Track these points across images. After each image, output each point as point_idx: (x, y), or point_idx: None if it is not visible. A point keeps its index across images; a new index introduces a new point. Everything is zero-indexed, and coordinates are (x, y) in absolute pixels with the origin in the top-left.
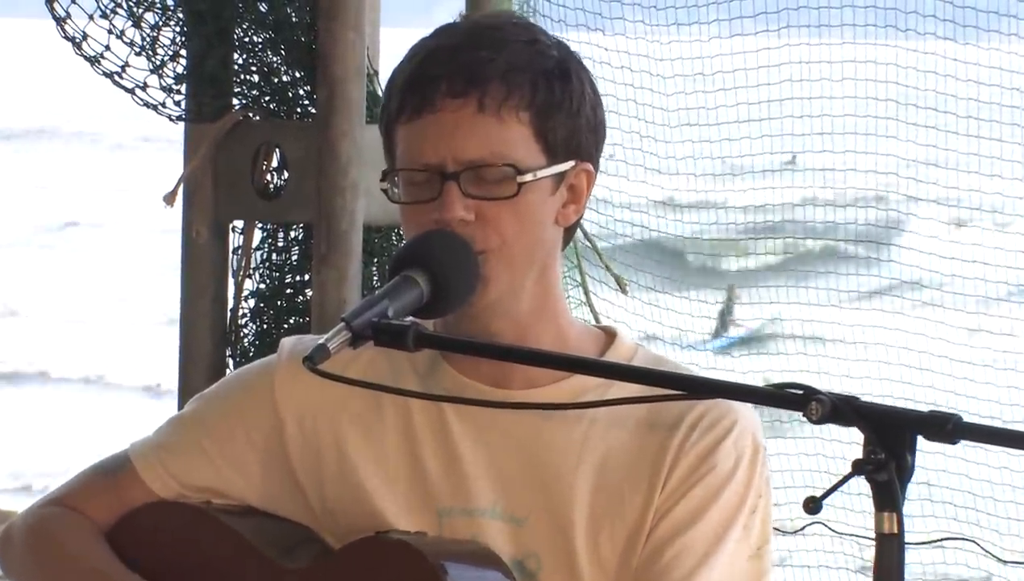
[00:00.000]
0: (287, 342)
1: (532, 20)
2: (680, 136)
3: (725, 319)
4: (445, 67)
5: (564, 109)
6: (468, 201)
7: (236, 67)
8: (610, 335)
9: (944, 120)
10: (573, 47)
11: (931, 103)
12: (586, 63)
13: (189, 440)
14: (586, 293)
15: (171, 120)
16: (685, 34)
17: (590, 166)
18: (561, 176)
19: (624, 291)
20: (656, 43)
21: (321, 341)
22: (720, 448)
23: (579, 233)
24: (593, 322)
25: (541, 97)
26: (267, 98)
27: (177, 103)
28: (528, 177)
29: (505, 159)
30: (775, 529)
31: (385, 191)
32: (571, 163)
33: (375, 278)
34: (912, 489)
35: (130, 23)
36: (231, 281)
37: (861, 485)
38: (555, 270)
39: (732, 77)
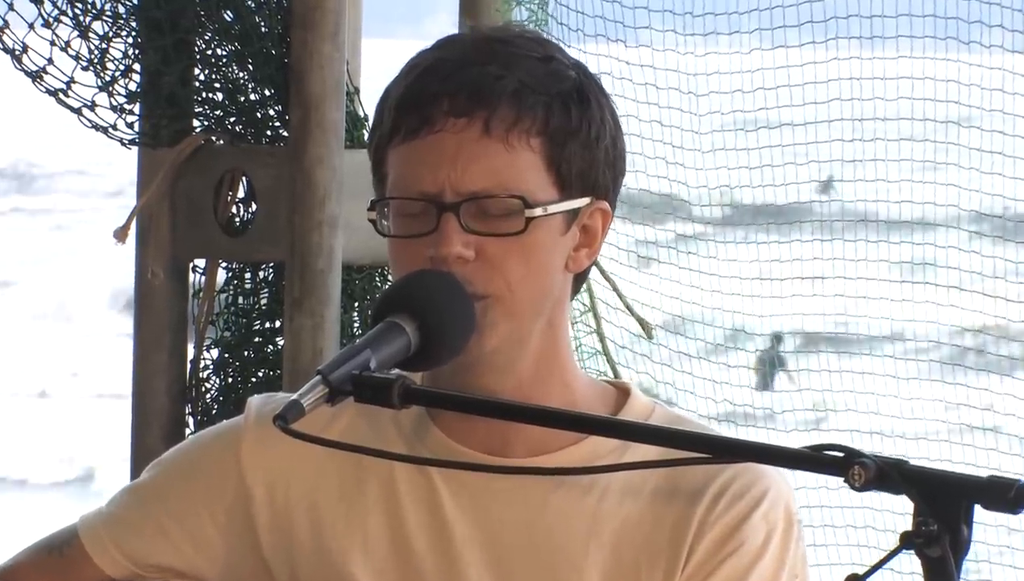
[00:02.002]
0: (255, 401)
1: (546, 28)
2: (714, 161)
3: (771, 371)
4: (448, 83)
5: (581, 138)
6: (468, 237)
7: (197, 84)
8: (623, 392)
9: (1012, 145)
10: (591, 60)
11: (997, 125)
12: (605, 79)
13: (144, 514)
14: (602, 341)
15: (123, 144)
16: (723, 45)
17: (607, 205)
18: (574, 214)
19: (649, 336)
20: (689, 55)
21: (294, 397)
22: (749, 521)
23: (595, 270)
24: (611, 375)
25: (556, 122)
26: (232, 119)
27: (130, 125)
28: (538, 212)
29: (512, 190)
30: None
31: (373, 222)
32: (586, 200)
33: (356, 325)
34: None
35: (76, 33)
36: (191, 329)
37: (904, 563)
38: (564, 322)
39: (775, 95)
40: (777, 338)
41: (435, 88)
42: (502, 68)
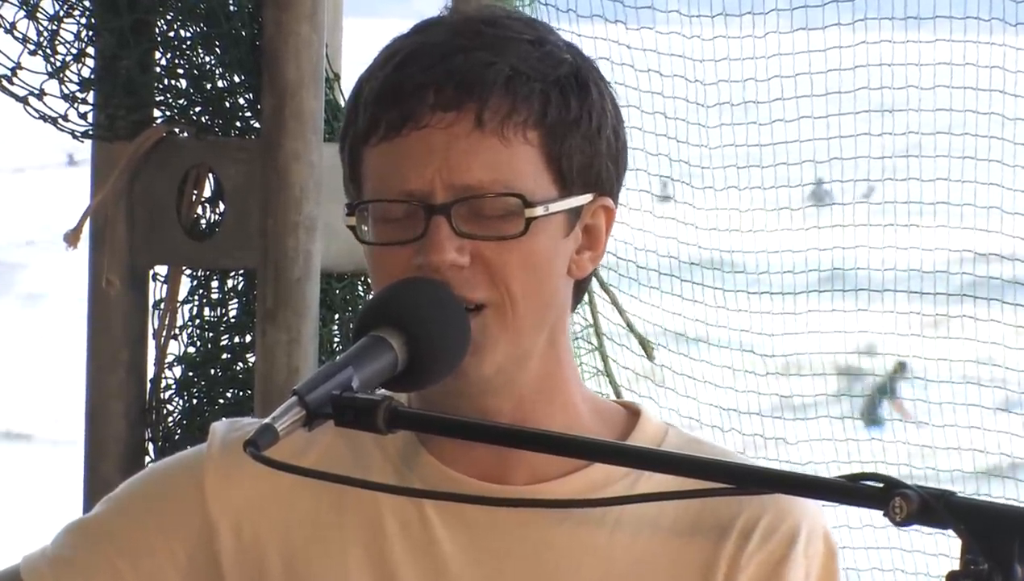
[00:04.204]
0: (219, 427)
1: (534, 9)
2: (722, 159)
3: (879, 400)
4: (431, 73)
5: (582, 129)
6: (462, 241)
7: (158, 70)
8: (633, 413)
9: None
10: (587, 44)
11: None
12: (602, 65)
13: (95, 554)
14: (604, 359)
15: (75, 137)
16: (734, 28)
17: (610, 202)
18: (577, 213)
19: (650, 357)
20: (696, 39)
21: (267, 421)
22: (789, 559)
23: (594, 282)
24: (613, 397)
25: (554, 113)
26: (198, 109)
27: (83, 115)
28: (539, 211)
29: (510, 187)
30: None
31: (353, 229)
32: (588, 197)
33: (336, 340)
34: None
35: (23, 14)
36: (151, 344)
37: None
38: (566, 335)
39: (794, 83)
40: (901, 365)
41: (418, 79)
42: (492, 54)
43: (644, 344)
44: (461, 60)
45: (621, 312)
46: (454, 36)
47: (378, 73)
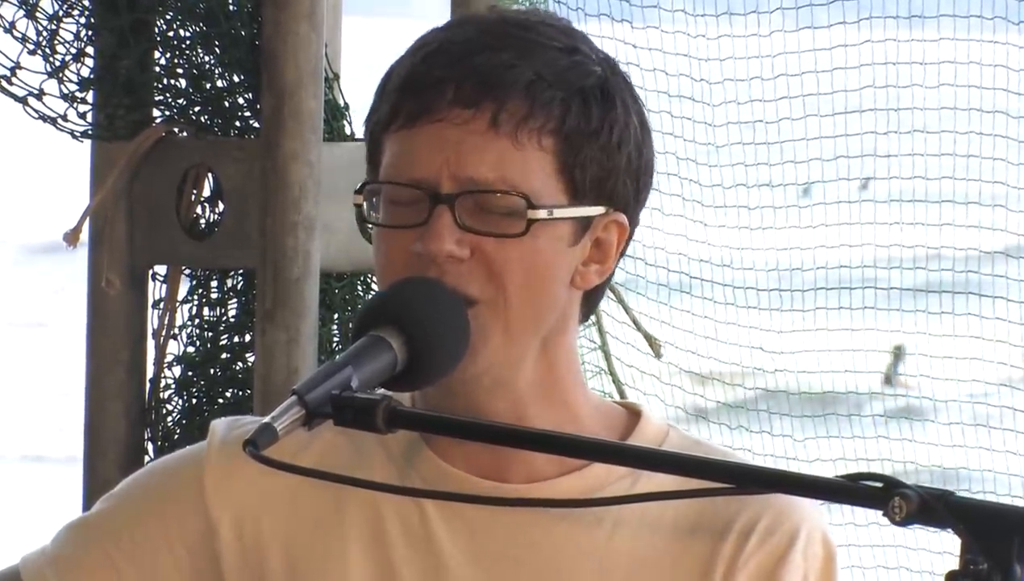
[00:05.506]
0: (219, 425)
1: (542, 7)
2: (730, 157)
3: (892, 377)
4: (453, 69)
5: (600, 141)
6: (463, 234)
7: (157, 69)
8: (634, 414)
9: None
10: (593, 43)
11: None
12: None
13: (95, 552)
14: (607, 358)
15: (74, 137)
16: (739, 27)
17: (624, 218)
18: (586, 224)
19: (658, 355)
20: (701, 38)
21: (266, 420)
22: (787, 561)
23: None
24: (617, 396)
25: (573, 121)
26: (197, 109)
27: (82, 115)
28: (541, 214)
29: (516, 188)
30: None
31: (359, 207)
32: (600, 209)
33: (336, 340)
34: None
35: (22, 13)
36: (151, 343)
37: None
38: (567, 343)
39: (799, 82)
40: (898, 351)
41: (440, 72)
42: (516, 56)
43: (651, 342)
44: (485, 59)
45: (627, 310)
46: (481, 35)
47: (406, 61)
